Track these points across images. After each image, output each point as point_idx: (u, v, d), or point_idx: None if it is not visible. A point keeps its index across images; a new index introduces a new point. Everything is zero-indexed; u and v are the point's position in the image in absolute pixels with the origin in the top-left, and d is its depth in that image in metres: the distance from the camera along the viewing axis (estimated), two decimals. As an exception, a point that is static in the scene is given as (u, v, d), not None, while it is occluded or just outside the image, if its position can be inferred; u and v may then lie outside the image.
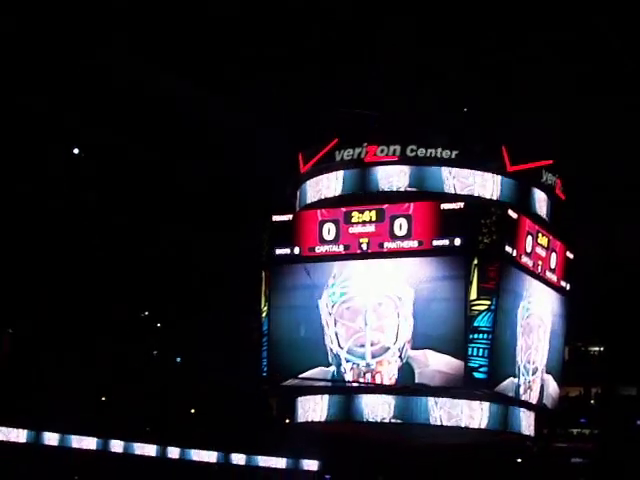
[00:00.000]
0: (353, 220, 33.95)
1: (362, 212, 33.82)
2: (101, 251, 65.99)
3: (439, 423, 33.55)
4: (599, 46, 52.34)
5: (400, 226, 33.25)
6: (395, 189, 34.71)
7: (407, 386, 33.08)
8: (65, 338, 64.89)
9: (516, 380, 34.45)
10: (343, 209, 34.28)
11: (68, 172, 64.30)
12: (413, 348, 33.03)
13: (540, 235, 35.04)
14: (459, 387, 32.68)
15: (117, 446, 67.42)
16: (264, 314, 35.73)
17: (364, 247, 33.72)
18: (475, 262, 32.26)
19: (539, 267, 35.13)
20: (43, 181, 62.50)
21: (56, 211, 63.16)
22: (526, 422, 36.65)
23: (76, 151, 62.63)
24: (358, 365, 33.73)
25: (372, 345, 33.64)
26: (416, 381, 32.87)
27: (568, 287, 37.71)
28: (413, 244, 33.08)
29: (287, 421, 39.46)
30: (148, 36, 56.87)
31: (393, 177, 34.89)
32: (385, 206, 33.61)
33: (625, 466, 60.02)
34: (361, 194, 34.97)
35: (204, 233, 66.57)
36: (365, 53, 51.72)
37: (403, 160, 34.69)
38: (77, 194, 64.36)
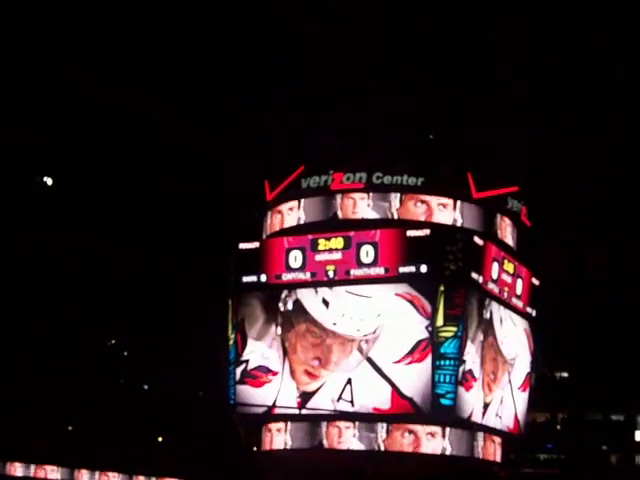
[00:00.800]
0: (319, 247, 34.01)
1: (328, 239, 33.90)
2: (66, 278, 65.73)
3: (406, 450, 33.57)
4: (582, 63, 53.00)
5: (367, 253, 33.33)
6: (361, 216, 34.81)
7: (375, 414, 33.11)
8: (30, 365, 64.47)
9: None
10: (309, 236, 34.35)
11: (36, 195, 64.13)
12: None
13: (506, 261, 35.20)
14: (426, 413, 32.74)
15: (83, 475, 67.00)
16: (231, 342, 35.68)
17: (331, 274, 33.77)
18: (441, 289, 32.39)
19: (505, 293, 35.28)
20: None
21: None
22: (493, 448, 36.71)
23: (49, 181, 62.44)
24: None
25: None
26: None
27: (534, 313, 37.88)
28: (380, 271, 33.15)
29: (255, 449, 39.14)
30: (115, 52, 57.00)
31: (359, 204, 35.02)
32: (351, 233, 33.70)
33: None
34: (327, 221, 35.06)
35: (172, 258, 66.48)
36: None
37: (369, 188, 34.83)
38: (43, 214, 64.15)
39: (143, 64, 58.20)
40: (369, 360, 33.36)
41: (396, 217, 34.47)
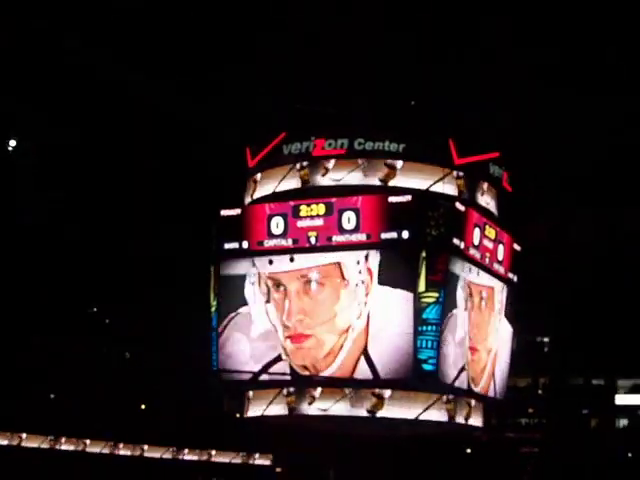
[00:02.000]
0: (301, 214, 33.95)
1: (310, 206, 33.86)
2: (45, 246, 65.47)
3: (388, 415, 33.73)
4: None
5: (348, 219, 33.29)
6: (343, 182, 34.78)
7: (357, 379, 33.21)
8: (13, 334, 64.31)
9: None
10: (291, 203, 34.28)
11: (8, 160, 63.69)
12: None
13: (487, 227, 35.23)
14: (408, 379, 32.87)
15: (66, 445, 67.10)
16: (213, 309, 35.70)
17: (313, 241, 33.74)
18: (423, 254, 32.42)
19: (487, 259, 35.36)
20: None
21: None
22: (474, 412, 36.92)
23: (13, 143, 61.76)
24: None
25: None
26: None
27: (515, 279, 38.01)
28: (362, 237, 33.14)
29: (238, 416, 39.28)
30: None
31: (341, 170, 34.98)
32: (333, 200, 33.65)
33: (572, 454, 60.70)
34: (309, 188, 35.02)
35: (153, 225, 66.30)
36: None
37: (351, 154, 34.78)
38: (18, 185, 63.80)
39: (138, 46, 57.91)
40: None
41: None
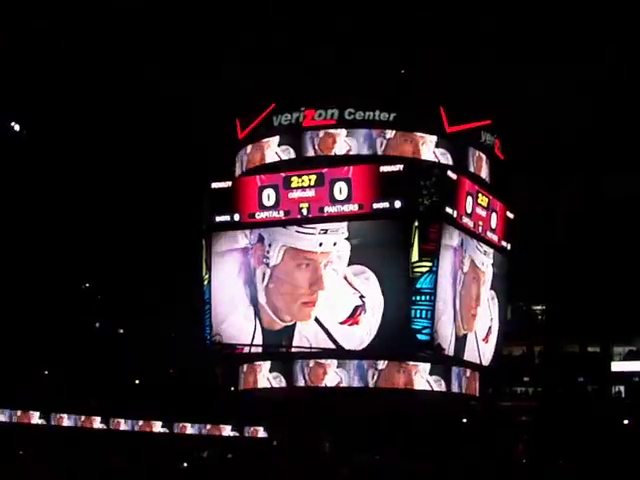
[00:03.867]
0: (292, 185, 33.74)
1: (301, 177, 33.62)
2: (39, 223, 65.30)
3: (382, 386, 33.66)
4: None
5: (340, 190, 33.08)
6: (334, 153, 34.55)
7: (349, 350, 33.11)
8: (8, 310, 64.29)
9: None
10: (282, 174, 34.07)
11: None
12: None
13: (480, 195, 35.04)
14: (402, 349, 32.79)
15: (63, 420, 67.13)
16: (205, 282, 35.52)
17: (304, 212, 33.55)
18: (416, 224, 32.23)
19: (480, 227, 35.18)
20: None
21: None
22: (470, 382, 36.86)
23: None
24: None
25: None
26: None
27: (509, 247, 37.84)
28: (353, 208, 32.95)
29: (232, 389, 39.24)
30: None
31: (331, 141, 34.73)
32: (324, 170, 33.44)
33: (568, 422, 60.77)
34: (300, 159, 34.77)
35: (145, 199, 66.20)
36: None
37: (341, 124, 34.52)
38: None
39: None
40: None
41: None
